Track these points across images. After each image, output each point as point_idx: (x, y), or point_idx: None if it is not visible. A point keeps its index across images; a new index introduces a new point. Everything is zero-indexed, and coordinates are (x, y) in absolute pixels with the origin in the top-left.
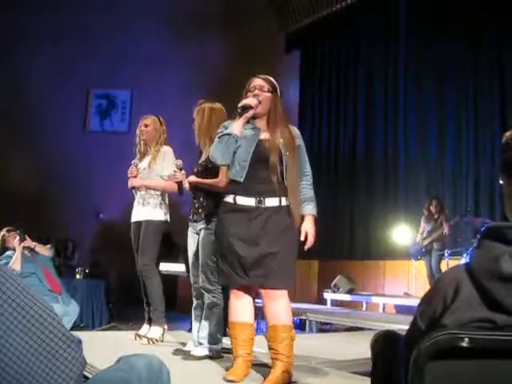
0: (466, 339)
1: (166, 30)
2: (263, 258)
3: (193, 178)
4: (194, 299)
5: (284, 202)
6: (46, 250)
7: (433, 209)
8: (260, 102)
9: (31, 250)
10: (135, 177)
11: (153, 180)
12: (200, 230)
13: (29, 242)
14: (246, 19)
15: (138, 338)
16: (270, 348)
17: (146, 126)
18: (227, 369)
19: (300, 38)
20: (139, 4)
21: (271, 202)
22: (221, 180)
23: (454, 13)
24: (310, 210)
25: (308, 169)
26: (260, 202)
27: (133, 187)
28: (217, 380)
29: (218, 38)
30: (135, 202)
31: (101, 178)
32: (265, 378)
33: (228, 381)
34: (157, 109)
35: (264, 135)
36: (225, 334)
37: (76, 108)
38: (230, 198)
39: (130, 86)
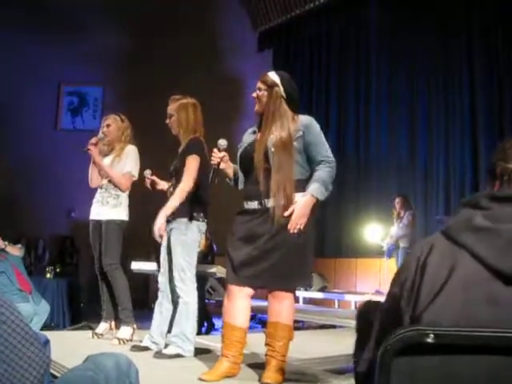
0: (432, 335)
1: (139, 27)
2: (254, 258)
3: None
4: (158, 295)
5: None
6: (16, 250)
7: (396, 205)
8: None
9: (2, 249)
10: (96, 144)
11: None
12: (170, 230)
13: None
14: (218, 18)
15: (95, 337)
16: (267, 344)
17: (108, 126)
18: (202, 368)
19: (272, 37)
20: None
21: (272, 201)
22: (183, 189)
23: (426, 9)
24: (310, 189)
25: (324, 154)
26: (261, 203)
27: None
28: (188, 379)
29: (190, 36)
30: (94, 200)
31: (72, 176)
32: (259, 379)
33: (200, 379)
34: (128, 106)
35: (258, 135)
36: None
37: (47, 105)
38: (243, 205)
39: (101, 82)
